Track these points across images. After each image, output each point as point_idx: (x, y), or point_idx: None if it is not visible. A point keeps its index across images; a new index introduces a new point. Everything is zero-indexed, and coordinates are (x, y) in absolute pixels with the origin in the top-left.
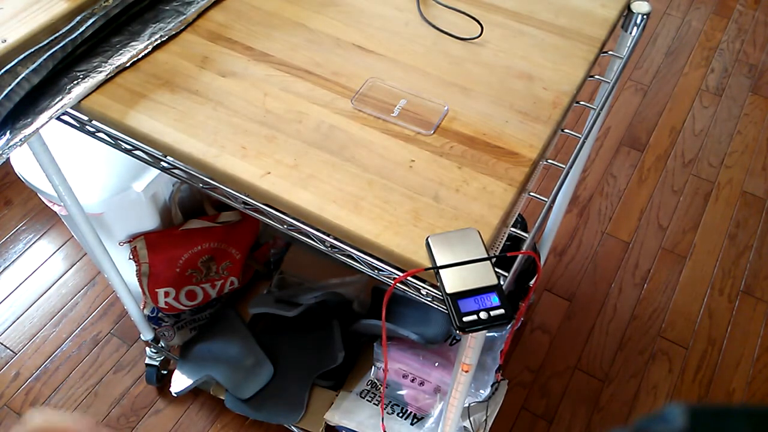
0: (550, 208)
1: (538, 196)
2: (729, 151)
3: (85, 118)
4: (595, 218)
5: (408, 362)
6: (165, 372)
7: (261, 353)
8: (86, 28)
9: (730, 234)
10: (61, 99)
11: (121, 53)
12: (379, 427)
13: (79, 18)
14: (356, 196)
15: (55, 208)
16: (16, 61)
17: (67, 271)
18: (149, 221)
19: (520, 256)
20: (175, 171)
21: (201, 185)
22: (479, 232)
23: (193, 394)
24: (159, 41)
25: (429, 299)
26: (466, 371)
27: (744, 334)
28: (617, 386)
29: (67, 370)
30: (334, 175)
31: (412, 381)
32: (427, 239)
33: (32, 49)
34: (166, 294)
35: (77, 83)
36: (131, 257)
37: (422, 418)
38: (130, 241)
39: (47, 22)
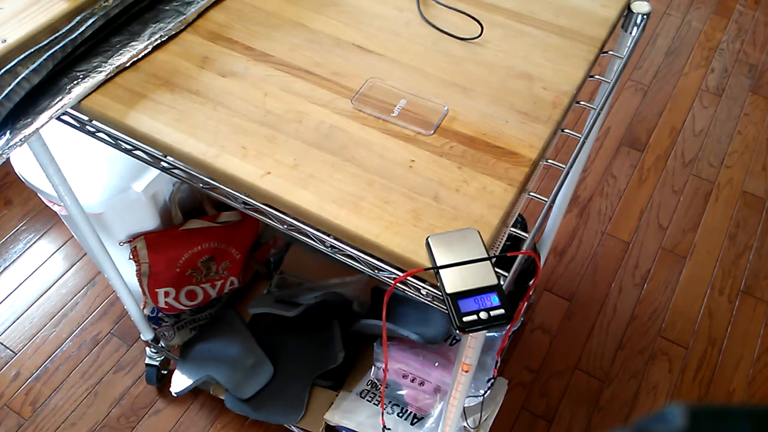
0: (550, 208)
1: (538, 196)
2: (729, 151)
3: (85, 118)
4: (595, 218)
5: (408, 362)
6: (165, 372)
7: (261, 353)
8: (86, 28)
9: (730, 234)
10: (61, 99)
11: (121, 53)
12: (380, 426)
13: (78, 18)
14: (356, 196)
15: (55, 208)
16: (16, 61)
17: (67, 271)
18: (149, 221)
19: (520, 256)
20: (175, 171)
21: (201, 185)
22: (479, 232)
23: (193, 394)
24: (159, 41)
25: (429, 299)
26: (466, 371)
27: (744, 334)
28: (617, 386)
29: (67, 370)
30: (334, 175)
31: (412, 381)
32: (427, 239)
33: (32, 49)
34: (166, 294)
35: (77, 83)
36: (131, 257)
37: (422, 418)
38: (130, 241)
39: (47, 22)
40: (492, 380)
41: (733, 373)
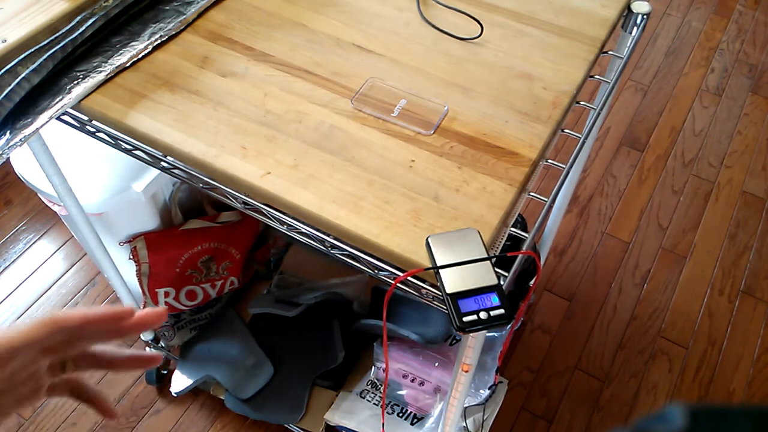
0: (550, 208)
1: (538, 196)
2: (729, 151)
3: (85, 118)
4: (595, 218)
5: (408, 362)
6: (165, 372)
7: (261, 353)
8: (86, 28)
9: (730, 234)
10: (61, 99)
11: (121, 53)
12: (379, 428)
13: (79, 18)
14: (356, 196)
15: (55, 208)
16: (16, 61)
17: (67, 271)
18: (149, 221)
19: (520, 256)
20: (175, 171)
21: (201, 185)
22: (479, 232)
23: (193, 394)
24: (159, 41)
25: (429, 299)
26: (466, 371)
27: (744, 334)
28: (617, 386)
29: None
30: (334, 175)
31: (412, 381)
32: (427, 239)
33: (32, 49)
34: (166, 294)
35: (77, 83)
36: (131, 257)
37: (422, 418)
38: (130, 241)
39: (47, 22)
40: (493, 386)
41: (733, 373)
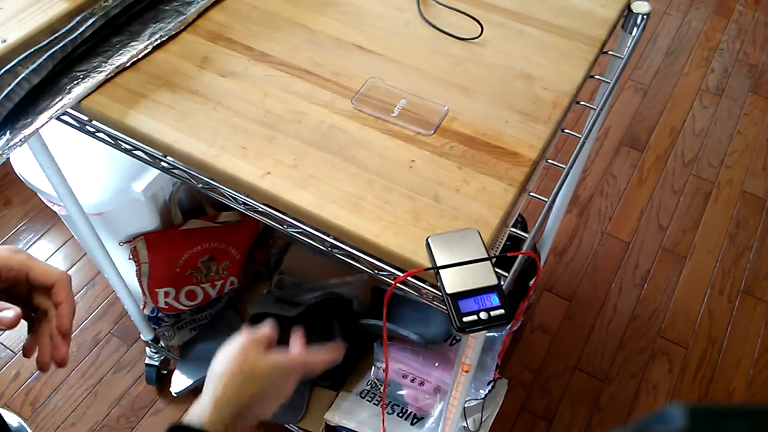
0: (550, 208)
1: (538, 196)
2: (729, 151)
3: (85, 118)
4: (595, 218)
5: (408, 362)
6: (165, 372)
7: None
8: (86, 28)
9: (730, 234)
10: (61, 99)
11: (121, 53)
12: (379, 428)
13: (78, 18)
14: (356, 196)
15: (55, 208)
16: (16, 61)
17: (67, 271)
18: (149, 221)
19: (520, 256)
20: (175, 171)
21: (201, 185)
22: (479, 233)
23: (193, 394)
24: (159, 41)
25: (429, 299)
26: (466, 371)
27: (744, 334)
28: (617, 386)
29: (67, 370)
30: (334, 175)
31: (412, 381)
32: (427, 239)
33: (32, 50)
34: (166, 294)
35: (77, 83)
36: (131, 257)
37: (422, 418)
38: (130, 241)
39: (47, 23)
40: (492, 383)
41: (733, 373)
